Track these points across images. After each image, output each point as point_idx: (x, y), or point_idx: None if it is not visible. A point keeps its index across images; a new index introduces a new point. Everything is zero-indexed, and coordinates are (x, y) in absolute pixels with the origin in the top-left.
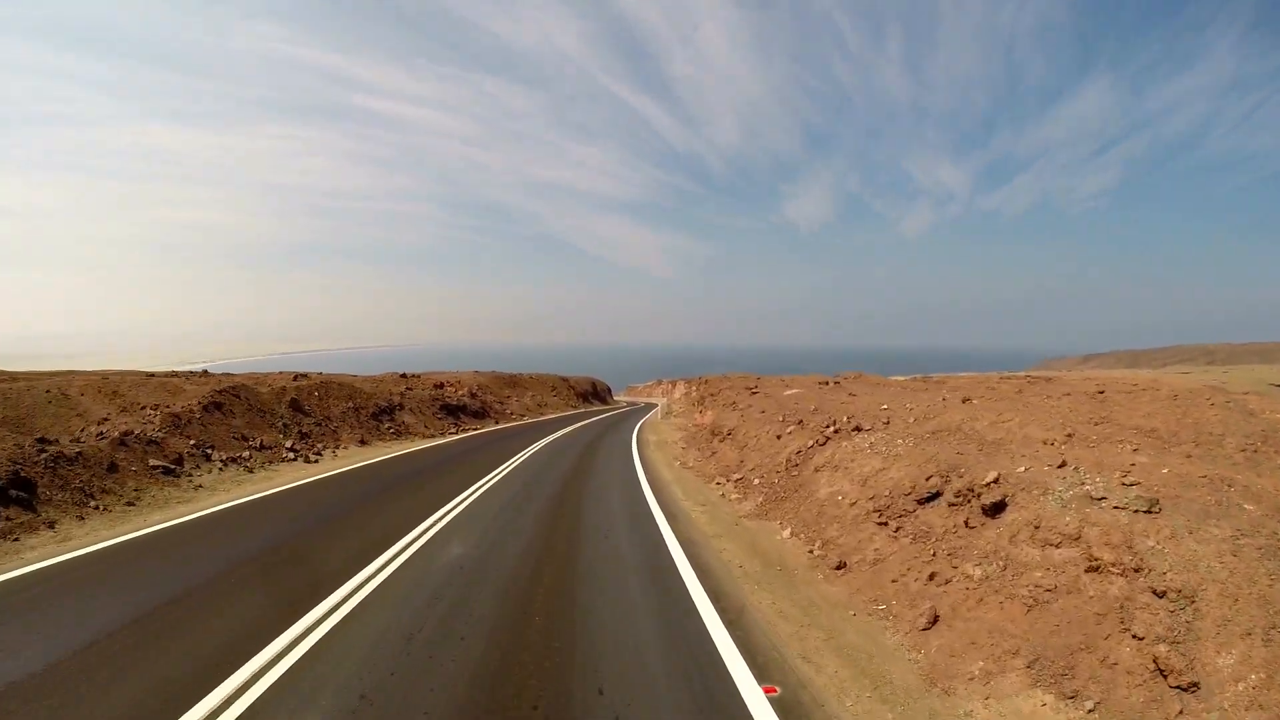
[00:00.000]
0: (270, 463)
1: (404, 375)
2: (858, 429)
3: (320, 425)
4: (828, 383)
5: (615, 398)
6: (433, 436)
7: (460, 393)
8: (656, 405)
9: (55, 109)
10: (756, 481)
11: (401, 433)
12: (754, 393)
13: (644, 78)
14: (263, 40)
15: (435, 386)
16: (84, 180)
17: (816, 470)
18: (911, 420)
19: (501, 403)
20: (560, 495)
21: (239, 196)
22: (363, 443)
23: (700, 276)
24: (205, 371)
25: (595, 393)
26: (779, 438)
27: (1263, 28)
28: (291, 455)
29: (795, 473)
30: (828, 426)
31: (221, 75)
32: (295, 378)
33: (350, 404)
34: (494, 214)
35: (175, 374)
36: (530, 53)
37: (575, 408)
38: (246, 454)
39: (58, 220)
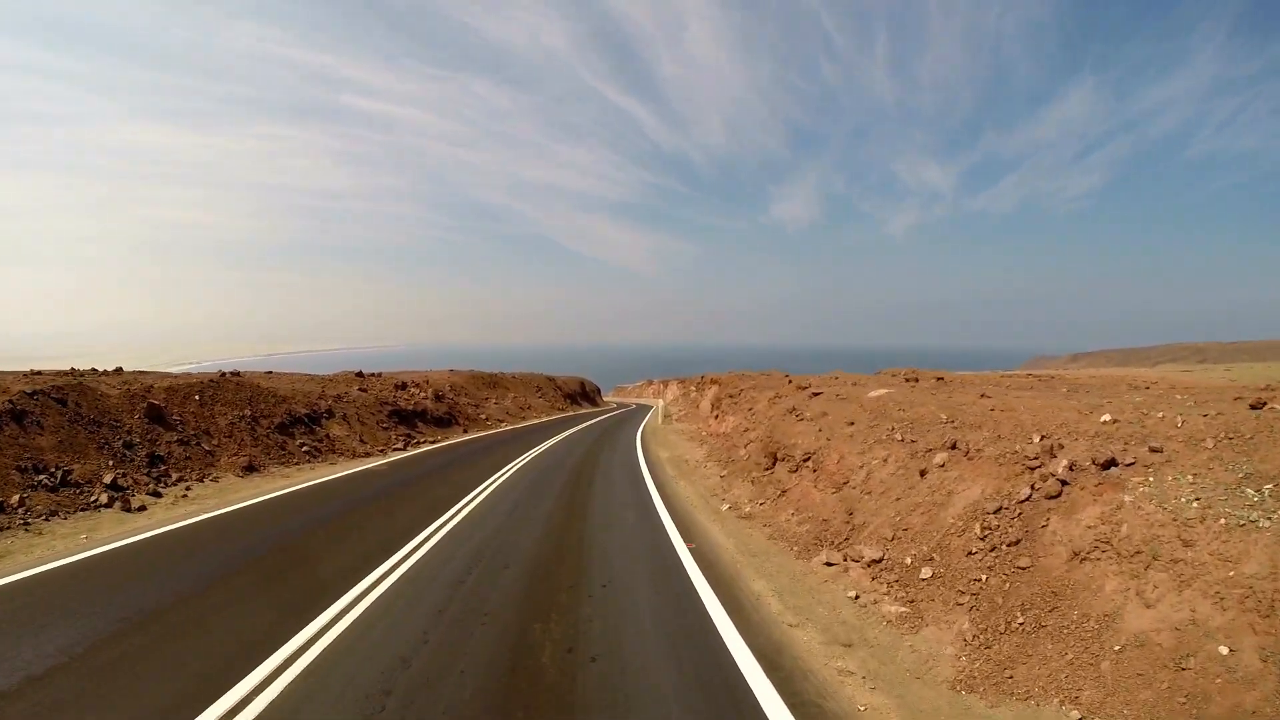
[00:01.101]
0: (53, 515)
1: (359, 374)
2: (1109, 464)
3: (188, 444)
4: (915, 379)
5: (604, 398)
6: (367, 455)
7: (423, 395)
8: (651, 407)
9: (41, 107)
10: (926, 573)
11: (322, 450)
12: (815, 395)
13: (631, 78)
14: (251, 39)
15: (396, 387)
16: (70, 179)
17: (1080, 558)
18: (1209, 444)
19: (477, 405)
20: (525, 636)
21: (226, 196)
22: (250, 469)
23: (687, 277)
24: (120, 370)
25: (584, 394)
26: (922, 474)
27: (1246, 32)
28: (105, 499)
29: (1020, 558)
30: (1042, 456)
31: (209, 74)
32: (224, 375)
33: (246, 412)
34: (483, 214)
35: (74, 371)
36: (518, 53)
37: (563, 410)
38: (16, 499)
39: (44, 219)
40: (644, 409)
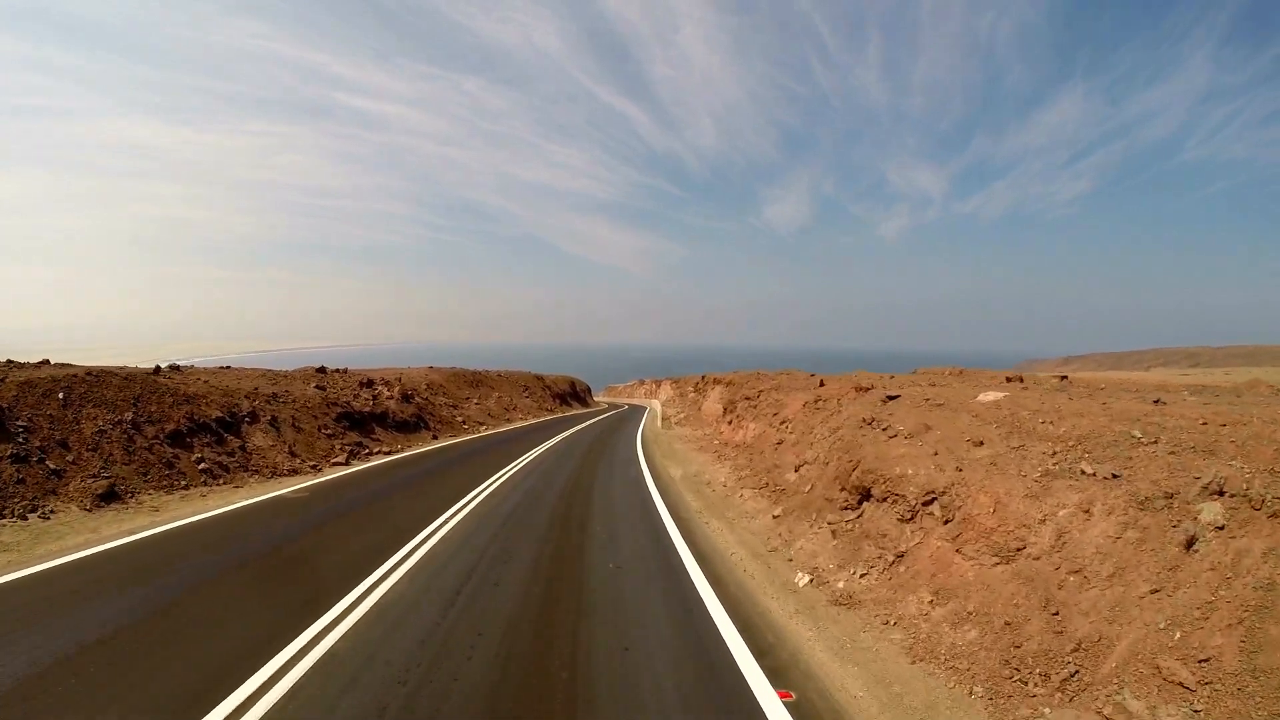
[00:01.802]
0: None
1: (321, 369)
2: None
3: (27, 460)
4: (1017, 379)
5: (595, 398)
6: (293, 473)
7: (389, 395)
8: (645, 408)
9: (33, 101)
10: None
11: (231, 467)
12: (891, 399)
13: (624, 79)
14: (245, 36)
15: (361, 385)
16: (61, 174)
17: None
18: None
19: (455, 407)
20: None
21: (218, 193)
22: (109, 496)
23: (679, 277)
24: (44, 363)
25: (574, 393)
26: (1188, 545)
27: (1237, 40)
28: None
29: None
30: None
31: (202, 71)
32: (157, 370)
33: (126, 416)
34: (475, 214)
35: None
36: (511, 53)
37: (552, 411)
38: None
39: (34, 215)
40: (638, 410)
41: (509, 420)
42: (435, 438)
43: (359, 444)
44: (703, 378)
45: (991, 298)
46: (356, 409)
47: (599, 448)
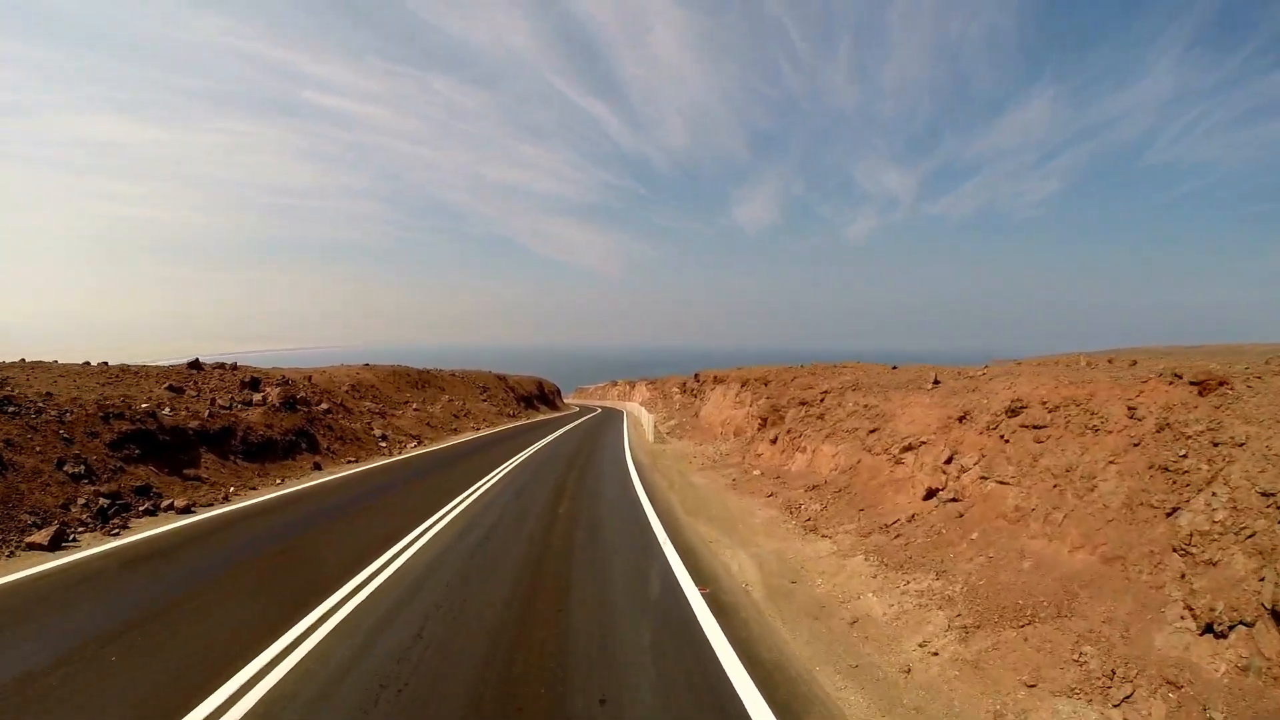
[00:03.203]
0: None
1: (195, 364)
2: None
3: None
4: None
5: (565, 401)
6: None
7: (259, 399)
8: (622, 413)
9: None
10: None
11: None
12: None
13: (594, 80)
14: (213, 32)
15: (242, 385)
16: (22, 171)
17: None
18: None
19: (383, 414)
20: None
21: (183, 191)
22: None
23: (649, 279)
24: None
25: (542, 395)
26: None
27: (1203, 45)
28: None
29: None
30: None
31: (170, 67)
32: None
33: None
34: (444, 214)
35: None
36: (482, 52)
37: (514, 417)
38: None
39: None
40: (614, 415)
41: (456, 431)
42: (318, 467)
43: (141, 490)
44: (696, 376)
45: (959, 297)
46: (169, 424)
47: (576, 490)
